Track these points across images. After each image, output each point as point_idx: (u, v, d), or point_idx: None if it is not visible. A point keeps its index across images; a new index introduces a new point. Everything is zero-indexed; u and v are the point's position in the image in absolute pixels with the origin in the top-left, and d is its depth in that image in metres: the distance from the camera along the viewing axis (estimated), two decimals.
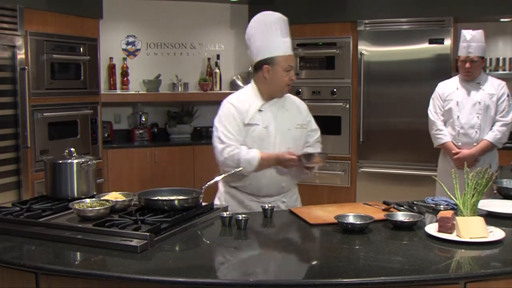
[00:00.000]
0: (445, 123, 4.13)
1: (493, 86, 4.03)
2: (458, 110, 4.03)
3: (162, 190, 2.59)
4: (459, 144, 4.03)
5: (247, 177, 2.84)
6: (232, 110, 2.85)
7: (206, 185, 2.58)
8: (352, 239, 2.22)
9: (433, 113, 4.17)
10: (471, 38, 3.97)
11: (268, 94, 2.89)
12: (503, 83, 4.07)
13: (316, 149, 3.00)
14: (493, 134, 3.96)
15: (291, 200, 2.97)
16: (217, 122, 2.88)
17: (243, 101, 2.87)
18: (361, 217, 2.33)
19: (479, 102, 3.99)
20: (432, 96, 4.20)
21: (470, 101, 4.01)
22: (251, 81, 2.97)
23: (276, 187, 2.88)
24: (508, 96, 4.02)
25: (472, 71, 3.98)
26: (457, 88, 4.07)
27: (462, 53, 4.02)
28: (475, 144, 3.99)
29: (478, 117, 3.99)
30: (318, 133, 3.08)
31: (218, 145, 2.81)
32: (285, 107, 2.94)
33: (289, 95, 3.02)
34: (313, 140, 3.04)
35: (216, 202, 2.93)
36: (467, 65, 3.96)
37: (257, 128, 2.82)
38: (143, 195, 2.45)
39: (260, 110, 2.84)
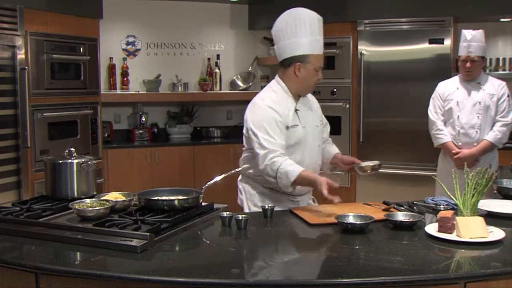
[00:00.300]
0: (445, 123, 4.13)
1: (493, 86, 4.02)
2: (458, 110, 4.02)
3: (162, 190, 2.59)
4: (459, 144, 4.03)
5: None
6: (275, 114, 2.72)
7: (206, 185, 2.58)
8: (352, 239, 2.22)
9: (433, 113, 4.17)
10: (472, 38, 3.97)
11: (296, 92, 2.83)
12: (503, 83, 4.07)
13: (373, 161, 2.89)
14: (493, 134, 3.96)
15: (317, 197, 2.99)
16: (256, 128, 2.72)
17: (280, 103, 2.77)
18: (361, 217, 2.33)
19: (480, 102, 3.98)
20: (432, 96, 4.20)
21: (470, 101, 4.01)
22: (275, 78, 2.88)
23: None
24: (508, 96, 4.02)
25: (473, 71, 3.98)
26: (457, 88, 4.07)
27: (462, 52, 4.01)
28: (475, 144, 3.99)
29: (478, 117, 3.98)
30: (328, 126, 3.11)
31: (260, 151, 2.68)
32: (308, 104, 2.94)
33: None
34: (327, 135, 3.08)
35: (246, 205, 2.87)
36: (468, 64, 3.96)
37: (298, 128, 2.79)
38: (143, 195, 2.45)
39: (297, 110, 2.82)
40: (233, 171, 2.73)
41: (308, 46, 2.75)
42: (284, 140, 2.72)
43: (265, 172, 2.68)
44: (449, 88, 4.10)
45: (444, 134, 4.08)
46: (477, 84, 4.03)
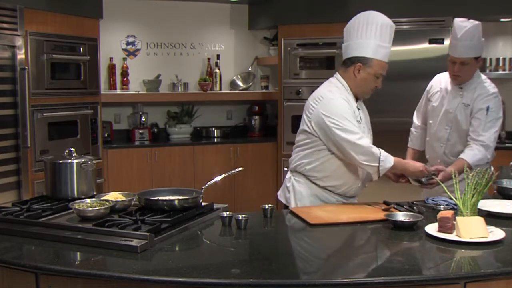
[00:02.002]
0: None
1: (475, 94, 3.16)
2: (431, 116, 3.36)
3: (162, 190, 2.59)
4: (427, 156, 3.45)
5: (342, 177, 2.79)
6: (347, 106, 2.75)
7: (206, 185, 2.58)
8: (352, 239, 2.22)
9: (416, 110, 3.59)
10: (462, 35, 3.10)
11: (353, 93, 2.83)
12: (493, 92, 3.18)
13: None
14: (471, 153, 3.05)
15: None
16: (336, 117, 2.68)
17: (346, 97, 2.79)
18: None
19: (450, 112, 3.23)
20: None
21: (443, 108, 3.27)
22: (335, 76, 2.89)
23: (361, 187, 2.92)
24: (489, 110, 3.10)
25: (461, 75, 3.17)
26: (441, 88, 3.34)
27: (450, 51, 3.20)
28: (439, 161, 3.25)
29: (446, 129, 3.25)
30: (371, 136, 3.07)
31: (351, 136, 2.64)
32: (363, 107, 2.99)
33: None
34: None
35: (294, 204, 2.85)
36: (455, 68, 3.15)
37: (361, 126, 2.82)
38: (143, 195, 2.45)
39: (358, 108, 2.87)
40: (233, 171, 2.73)
41: (373, 50, 2.76)
42: None
43: (366, 154, 2.64)
44: (435, 86, 3.39)
45: (410, 139, 3.57)
46: (458, 89, 3.22)
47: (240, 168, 2.76)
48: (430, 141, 3.38)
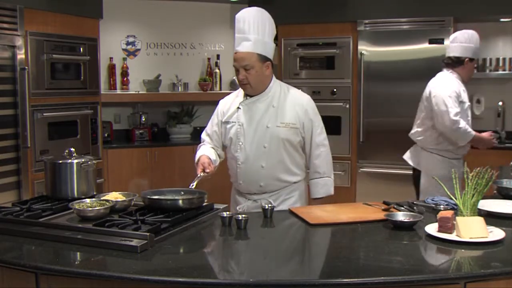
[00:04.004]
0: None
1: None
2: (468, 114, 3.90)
3: (164, 190, 2.60)
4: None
5: (235, 174, 2.92)
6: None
7: (194, 184, 2.66)
8: (352, 239, 2.22)
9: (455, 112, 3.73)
10: (453, 39, 3.97)
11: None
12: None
13: None
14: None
15: (281, 202, 2.89)
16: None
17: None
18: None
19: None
20: (449, 94, 3.77)
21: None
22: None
23: (256, 186, 2.88)
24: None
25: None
26: (463, 91, 3.87)
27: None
28: None
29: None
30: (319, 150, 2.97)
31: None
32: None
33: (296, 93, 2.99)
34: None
35: (232, 203, 2.97)
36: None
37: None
38: (147, 195, 2.45)
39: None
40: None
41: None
42: None
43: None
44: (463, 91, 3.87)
45: (470, 127, 3.81)
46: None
47: (218, 165, 2.91)
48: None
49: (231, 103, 2.95)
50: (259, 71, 2.79)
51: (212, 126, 3.04)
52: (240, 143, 2.87)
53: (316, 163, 2.94)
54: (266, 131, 2.84)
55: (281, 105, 2.88)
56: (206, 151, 2.97)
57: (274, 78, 2.93)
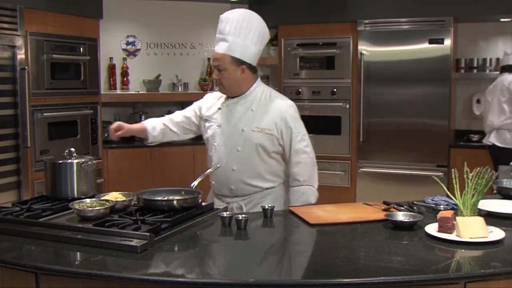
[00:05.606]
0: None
1: None
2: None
3: (161, 190, 2.59)
4: None
5: (212, 176, 2.90)
6: None
7: (196, 183, 2.62)
8: (352, 239, 2.22)
9: None
10: None
11: None
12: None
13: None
14: None
15: (253, 207, 2.85)
16: None
17: None
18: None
19: None
20: None
21: None
22: None
23: (226, 188, 2.86)
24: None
25: None
26: None
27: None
28: None
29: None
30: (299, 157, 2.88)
31: None
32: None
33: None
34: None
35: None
36: None
37: None
38: (142, 195, 2.45)
39: None
40: (212, 170, 2.77)
41: None
42: None
43: None
44: None
45: None
46: None
47: (218, 165, 2.80)
48: None
49: (214, 102, 2.98)
50: (231, 74, 2.78)
51: (186, 111, 3.07)
52: (215, 143, 2.87)
53: (295, 171, 2.86)
54: (241, 135, 2.81)
55: (260, 110, 2.84)
56: (150, 122, 3.03)
57: (258, 82, 2.90)
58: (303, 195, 2.86)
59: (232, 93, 2.87)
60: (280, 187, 2.93)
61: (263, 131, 2.80)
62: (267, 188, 2.87)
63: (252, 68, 2.84)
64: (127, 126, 2.94)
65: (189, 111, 3.06)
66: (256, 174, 2.82)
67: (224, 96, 2.94)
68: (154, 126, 3.01)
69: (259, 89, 2.88)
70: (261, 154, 2.82)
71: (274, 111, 2.83)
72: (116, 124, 2.91)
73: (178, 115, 3.08)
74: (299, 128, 2.86)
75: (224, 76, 2.79)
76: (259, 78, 2.93)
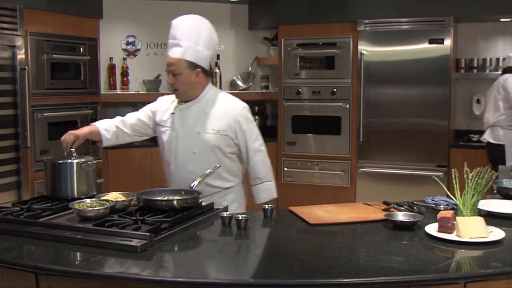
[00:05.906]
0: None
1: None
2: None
3: (161, 190, 2.59)
4: None
5: (169, 179, 3.01)
6: None
7: (196, 183, 2.65)
8: (352, 239, 2.22)
9: None
10: None
11: None
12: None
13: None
14: None
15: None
16: None
17: None
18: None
19: None
20: None
21: None
22: None
23: (185, 185, 2.85)
24: None
25: None
26: None
27: None
28: None
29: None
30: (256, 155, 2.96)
31: None
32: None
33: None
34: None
35: None
36: None
37: None
38: (142, 195, 2.45)
39: None
40: (211, 170, 2.79)
41: None
42: None
43: None
44: None
45: None
46: None
47: (218, 166, 2.82)
48: None
49: (168, 106, 2.98)
50: (186, 78, 2.85)
51: (140, 114, 3.09)
52: (173, 148, 2.91)
53: (255, 169, 2.96)
54: (197, 137, 2.86)
55: (213, 112, 2.89)
56: (102, 124, 2.99)
57: (210, 85, 2.97)
58: (266, 191, 2.98)
59: (187, 97, 2.91)
60: (239, 186, 3.01)
61: (218, 132, 2.87)
62: (226, 188, 2.93)
63: (205, 72, 2.91)
64: (80, 134, 2.86)
65: (143, 114, 3.08)
66: (215, 174, 2.87)
67: (176, 100, 2.96)
68: (107, 129, 2.99)
69: (212, 92, 2.96)
70: (219, 155, 2.88)
71: (228, 112, 2.91)
72: (72, 137, 2.83)
73: (131, 117, 3.09)
74: (253, 128, 2.96)
75: (179, 81, 2.86)
76: (210, 82, 3.00)
